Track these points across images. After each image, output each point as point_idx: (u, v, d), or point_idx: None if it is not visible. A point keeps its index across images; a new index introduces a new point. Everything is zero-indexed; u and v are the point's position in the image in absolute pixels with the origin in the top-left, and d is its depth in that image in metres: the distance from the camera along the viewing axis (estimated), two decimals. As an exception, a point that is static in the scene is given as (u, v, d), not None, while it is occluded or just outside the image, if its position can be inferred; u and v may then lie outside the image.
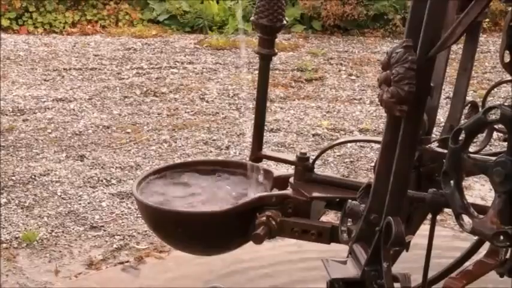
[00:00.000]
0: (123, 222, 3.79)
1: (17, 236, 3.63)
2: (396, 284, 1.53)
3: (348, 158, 4.63)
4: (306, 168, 2.05)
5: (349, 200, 1.73)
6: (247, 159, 2.31)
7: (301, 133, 5.08)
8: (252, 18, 2.16)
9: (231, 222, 2.00)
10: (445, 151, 1.47)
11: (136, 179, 2.22)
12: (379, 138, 1.68)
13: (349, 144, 4.82)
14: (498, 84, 2.39)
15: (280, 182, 2.11)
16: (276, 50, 2.19)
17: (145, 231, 3.58)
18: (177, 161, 4.52)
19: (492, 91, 2.23)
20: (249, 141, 2.34)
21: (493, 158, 1.36)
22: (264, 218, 1.93)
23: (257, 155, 2.22)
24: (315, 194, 2.00)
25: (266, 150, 2.30)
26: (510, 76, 2.18)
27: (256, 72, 2.22)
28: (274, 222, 1.93)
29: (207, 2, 8.16)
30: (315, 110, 5.57)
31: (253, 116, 2.31)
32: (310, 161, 2.08)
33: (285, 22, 2.14)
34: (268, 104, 5.26)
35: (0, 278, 3.23)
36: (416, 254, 1.93)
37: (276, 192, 2.05)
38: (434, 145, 2.00)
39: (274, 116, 5.39)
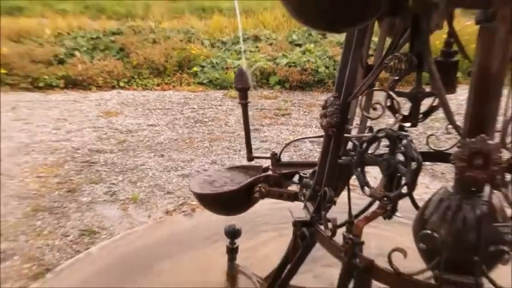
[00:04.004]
0: (184, 190, 3.79)
1: (128, 197, 3.63)
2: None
3: (304, 155, 4.63)
4: (276, 159, 2.03)
5: (304, 178, 1.73)
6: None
7: (279, 143, 5.07)
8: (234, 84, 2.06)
9: (241, 195, 1.96)
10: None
11: (191, 177, 2.15)
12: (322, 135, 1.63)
13: (304, 147, 4.81)
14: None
15: (265, 169, 2.09)
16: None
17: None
18: (213, 158, 4.51)
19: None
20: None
21: (381, 158, 1.36)
22: (258, 188, 1.92)
23: (250, 157, 2.18)
24: (283, 171, 1.97)
25: (255, 153, 2.24)
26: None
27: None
28: (264, 190, 1.92)
29: (229, 72, 8.17)
30: (286, 131, 5.56)
31: (249, 134, 2.24)
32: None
33: (250, 85, 2.07)
34: (260, 127, 5.24)
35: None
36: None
37: (263, 174, 2.03)
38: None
39: (264, 134, 5.38)
